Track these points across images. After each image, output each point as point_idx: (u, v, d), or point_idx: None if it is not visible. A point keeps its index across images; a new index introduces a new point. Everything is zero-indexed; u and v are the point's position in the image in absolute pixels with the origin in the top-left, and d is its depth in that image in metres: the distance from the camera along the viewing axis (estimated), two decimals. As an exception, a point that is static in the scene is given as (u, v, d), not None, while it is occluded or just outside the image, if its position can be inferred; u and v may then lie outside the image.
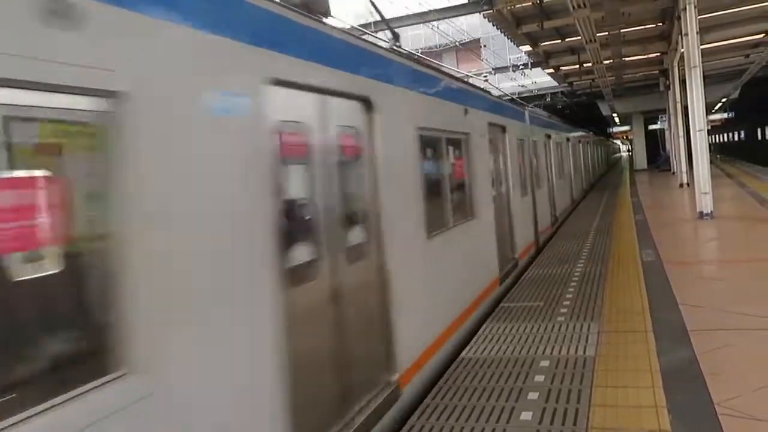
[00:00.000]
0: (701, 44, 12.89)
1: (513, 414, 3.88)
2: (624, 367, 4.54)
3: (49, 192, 1.92)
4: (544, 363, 4.77)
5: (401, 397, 4.26)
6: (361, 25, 16.79)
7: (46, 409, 1.79)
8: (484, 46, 33.62)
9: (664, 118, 32.82)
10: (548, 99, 33.12)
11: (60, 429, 1.81)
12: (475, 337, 5.66)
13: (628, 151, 61.94)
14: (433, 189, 5.54)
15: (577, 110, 36.16)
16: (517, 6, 15.51)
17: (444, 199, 5.98)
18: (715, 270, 8.25)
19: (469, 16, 22.24)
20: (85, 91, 1.99)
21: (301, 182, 3.46)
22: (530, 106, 14.49)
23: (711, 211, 12.34)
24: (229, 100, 2.66)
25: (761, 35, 20.36)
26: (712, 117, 35.47)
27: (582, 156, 21.76)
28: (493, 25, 17.28)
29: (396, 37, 6.27)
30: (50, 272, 1.91)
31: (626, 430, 3.52)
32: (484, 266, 7.16)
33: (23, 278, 1.85)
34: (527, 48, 19.96)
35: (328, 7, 4.39)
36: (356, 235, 3.98)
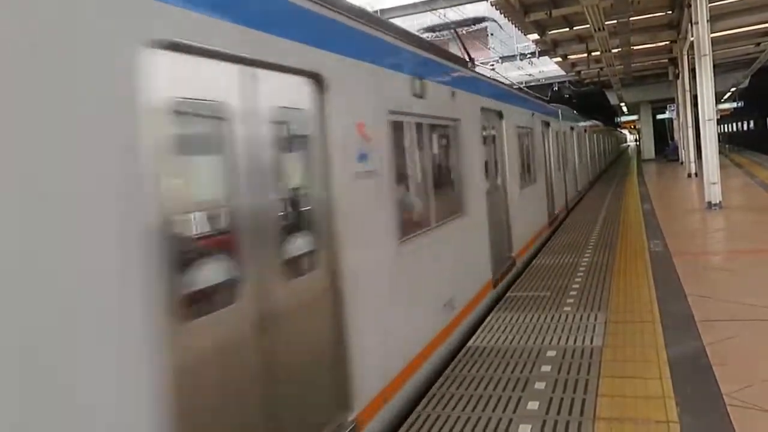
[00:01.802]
0: (711, 32, 12.73)
1: (519, 403, 3.88)
2: (631, 357, 4.52)
3: None
4: (551, 353, 4.76)
5: None
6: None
7: None
8: (491, 34, 33.34)
9: (672, 108, 32.58)
10: (555, 88, 32.91)
11: None
12: (482, 327, 5.66)
13: (636, 140, 61.51)
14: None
15: (584, 100, 35.91)
16: (525, -7, 15.36)
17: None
18: (723, 261, 8.20)
19: (476, 4, 22.05)
20: None
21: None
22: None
23: (719, 202, 12.25)
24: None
25: (772, 23, 20.08)
26: (722, 106, 35.15)
27: (588, 146, 21.49)
28: (501, 13, 17.11)
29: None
30: None
31: (634, 421, 3.52)
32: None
33: None
34: (535, 36, 19.78)
35: None
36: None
